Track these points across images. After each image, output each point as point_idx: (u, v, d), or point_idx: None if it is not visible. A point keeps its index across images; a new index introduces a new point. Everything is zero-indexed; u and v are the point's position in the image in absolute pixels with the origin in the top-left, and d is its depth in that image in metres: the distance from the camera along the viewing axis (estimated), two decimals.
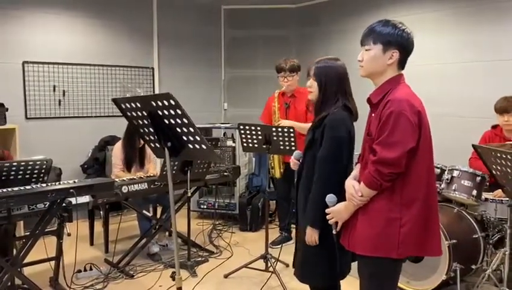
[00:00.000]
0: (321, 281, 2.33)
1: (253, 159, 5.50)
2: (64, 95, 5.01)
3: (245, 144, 3.67)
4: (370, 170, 1.83)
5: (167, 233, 4.40)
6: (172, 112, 1.96)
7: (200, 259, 3.94)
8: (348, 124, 2.24)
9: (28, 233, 3.11)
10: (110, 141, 5.22)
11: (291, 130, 3.41)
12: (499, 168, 2.17)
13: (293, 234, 4.11)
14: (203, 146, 2.01)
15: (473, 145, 2.36)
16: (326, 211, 2.06)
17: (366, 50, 1.93)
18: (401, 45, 1.88)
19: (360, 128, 2.17)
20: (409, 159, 1.80)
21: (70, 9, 5.03)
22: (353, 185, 1.93)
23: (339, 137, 2.19)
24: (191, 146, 2.05)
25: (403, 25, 1.92)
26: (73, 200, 2.97)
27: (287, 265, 3.74)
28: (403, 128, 1.77)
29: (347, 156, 2.21)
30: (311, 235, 2.22)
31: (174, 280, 2.17)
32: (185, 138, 2.03)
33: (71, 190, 2.80)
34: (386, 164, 1.78)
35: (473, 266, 3.23)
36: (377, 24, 1.93)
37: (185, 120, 1.96)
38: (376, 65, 1.91)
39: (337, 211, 2.02)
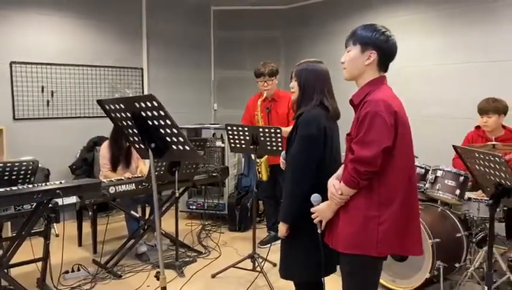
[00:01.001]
0: (301, 277, 2.37)
1: (243, 159, 5.53)
2: (52, 95, 5.01)
3: (233, 145, 3.70)
4: (348, 168, 1.88)
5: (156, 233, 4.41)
6: (155, 113, 1.98)
7: (188, 259, 3.96)
8: (320, 121, 2.26)
9: (15, 234, 3.11)
10: (98, 141, 5.21)
11: (278, 130, 3.44)
12: (477, 167, 2.22)
13: None
14: (186, 147, 2.04)
15: (453, 146, 2.41)
16: (311, 210, 2.10)
17: (348, 51, 1.99)
18: (378, 46, 1.93)
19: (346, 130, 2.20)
20: (385, 159, 1.84)
21: (60, 9, 5.02)
22: (333, 184, 1.98)
23: (308, 135, 2.22)
24: (174, 147, 2.07)
25: (384, 28, 1.97)
26: (59, 201, 2.98)
27: (275, 265, 3.76)
28: (378, 128, 1.81)
29: (320, 154, 2.23)
30: (281, 230, 2.27)
31: (158, 279, 2.19)
32: (168, 139, 2.05)
33: (57, 191, 2.80)
34: (362, 162, 1.82)
35: (456, 265, 3.27)
36: (359, 27, 1.99)
37: (168, 121, 1.98)
38: (355, 65, 1.96)
39: (321, 210, 2.06)
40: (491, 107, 3.54)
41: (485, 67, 4.41)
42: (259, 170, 4.17)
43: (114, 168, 4.14)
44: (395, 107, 1.85)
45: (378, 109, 1.82)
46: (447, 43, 4.70)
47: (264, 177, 4.19)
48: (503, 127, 3.65)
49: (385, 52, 1.94)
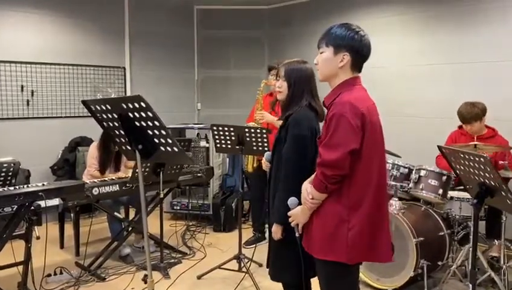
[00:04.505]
0: (290, 278, 2.38)
1: (227, 159, 5.52)
2: (32, 95, 4.90)
3: (218, 145, 3.69)
4: (317, 172, 1.86)
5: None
6: (143, 114, 1.96)
7: (173, 261, 3.92)
8: (311, 122, 2.28)
9: None
10: (80, 141, 5.14)
11: (264, 130, 3.45)
12: (462, 168, 2.26)
13: (267, 234, 4.15)
14: (175, 148, 2.02)
15: (438, 147, 2.44)
16: (288, 213, 2.11)
17: (321, 53, 1.95)
18: (351, 47, 1.88)
19: None
20: (353, 161, 1.81)
21: (39, 7, 4.92)
22: (306, 189, 1.96)
23: (301, 135, 2.23)
24: (162, 148, 2.05)
25: (357, 27, 1.92)
26: (42, 203, 2.92)
27: (260, 265, 3.77)
28: (344, 130, 1.78)
29: (311, 155, 2.22)
30: (276, 232, 2.28)
31: (146, 283, 2.16)
32: (156, 140, 2.03)
33: (40, 193, 2.75)
34: (329, 166, 1.80)
35: (439, 263, 3.34)
36: (332, 28, 1.94)
37: (156, 122, 1.96)
38: (328, 68, 1.92)
39: (296, 214, 2.05)
40: (472, 116, 3.61)
41: (462, 68, 4.49)
42: (247, 161, 4.16)
43: (102, 171, 4.07)
44: (362, 109, 1.82)
45: (343, 111, 1.79)
46: (425, 45, 4.77)
47: (249, 168, 4.17)
48: (486, 126, 3.74)
49: (359, 53, 1.90)
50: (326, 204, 1.89)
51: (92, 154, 4.09)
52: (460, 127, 3.87)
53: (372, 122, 1.85)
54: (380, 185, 1.90)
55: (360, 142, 1.81)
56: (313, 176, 2.06)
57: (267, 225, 4.27)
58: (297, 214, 2.04)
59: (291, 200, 2.09)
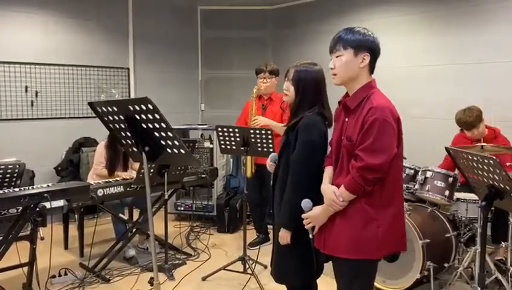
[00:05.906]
0: (295, 281, 2.36)
1: (231, 160, 5.50)
2: (37, 95, 4.89)
3: (223, 146, 3.68)
4: (354, 175, 1.85)
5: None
6: (150, 116, 1.95)
7: (177, 262, 3.92)
8: (321, 127, 2.25)
9: (1, 239, 3.03)
10: (84, 142, 5.13)
11: (269, 132, 3.43)
12: (469, 169, 2.24)
13: (271, 235, 4.13)
14: (182, 150, 2.01)
15: (446, 148, 2.43)
16: (303, 216, 2.08)
17: (337, 56, 1.94)
18: (370, 48, 1.93)
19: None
20: (390, 164, 1.85)
21: (43, 8, 4.91)
22: (333, 191, 1.94)
23: (311, 141, 2.20)
24: (169, 150, 2.04)
25: (368, 30, 1.96)
26: (47, 204, 2.91)
27: (265, 266, 3.75)
28: (388, 135, 1.83)
29: (320, 159, 2.21)
30: (284, 237, 2.25)
31: (152, 285, 2.15)
32: (163, 142, 2.02)
33: (45, 195, 2.74)
34: (371, 170, 1.82)
35: (446, 264, 3.32)
36: (343, 32, 1.95)
37: (163, 124, 1.95)
38: (349, 70, 1.93)
39: (315, 216, 2.04)
40: (474, 118, 3.59)
41: (467, 68, 4.47)
42: (244, 162, 4.16)
43: (111, 170, 4.06)
44: (396, 113, 1.88)
45: (386, 116, 1.83)
46: (430, 45, 4.75)
47: (248, 173, 4.16)
48: (486, 126, 3.72)
49: (375, 53, 1.95)
50: (354, 204, 1.91)
51: (100, 153, 4.08)
52: (462, 129, 3.85)
53: (401, 126, 1.92)
54: (401, 183, 1.99)
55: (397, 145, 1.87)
56: (327, 179, 2.06)
57: (270, 226, 4.27)
58: (316, 216, 2.03)
59: (305, 203, 2.06)
